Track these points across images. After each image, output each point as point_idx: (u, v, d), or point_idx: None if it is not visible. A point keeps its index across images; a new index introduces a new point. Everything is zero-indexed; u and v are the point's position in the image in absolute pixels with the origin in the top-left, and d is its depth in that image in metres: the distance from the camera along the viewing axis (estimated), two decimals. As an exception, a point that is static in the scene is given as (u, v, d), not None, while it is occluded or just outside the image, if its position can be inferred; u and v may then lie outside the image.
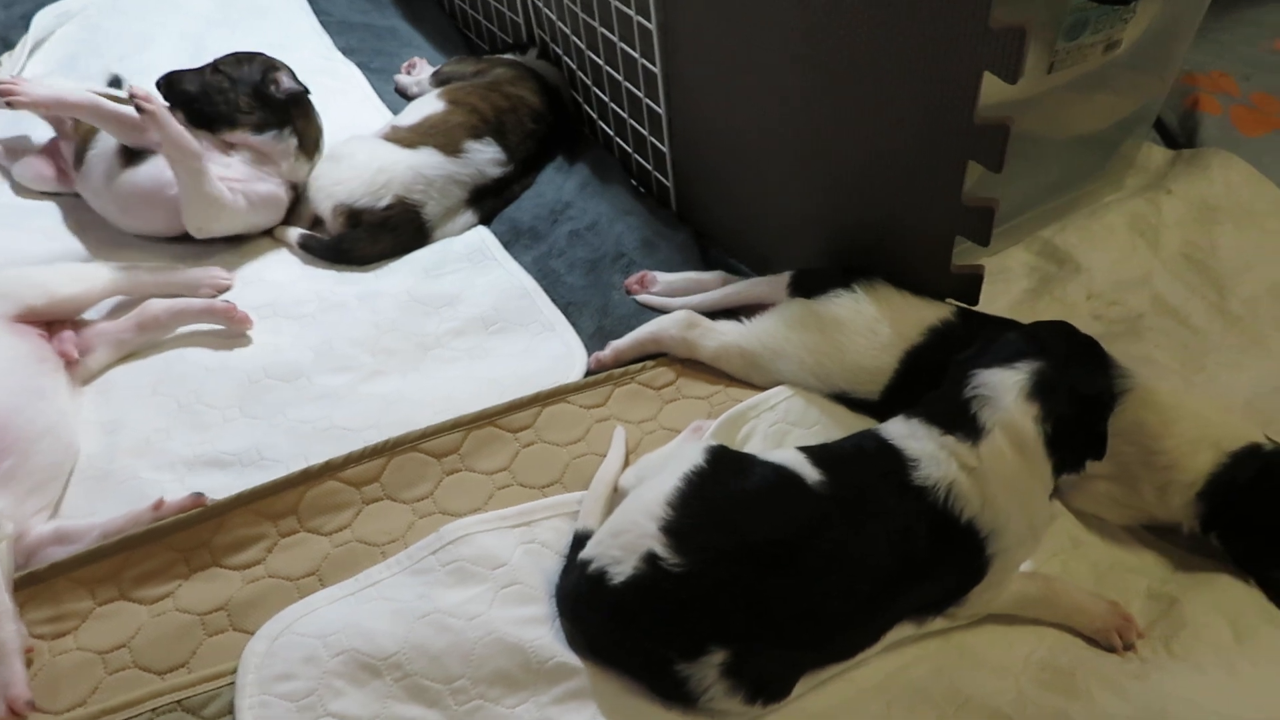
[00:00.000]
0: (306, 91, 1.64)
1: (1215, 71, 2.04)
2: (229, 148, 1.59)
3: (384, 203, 1.60)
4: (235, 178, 1.56)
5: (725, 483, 1.02)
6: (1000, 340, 1.12)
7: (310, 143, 1.66)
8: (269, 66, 1.62)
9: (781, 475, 1.03)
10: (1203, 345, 1.54)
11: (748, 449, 1.25)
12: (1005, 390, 1.05)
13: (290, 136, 1.62)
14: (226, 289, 1.53)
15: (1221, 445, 1.17)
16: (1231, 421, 1.21)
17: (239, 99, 1.58)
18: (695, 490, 1.01)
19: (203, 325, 1.45)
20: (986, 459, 1.03)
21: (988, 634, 1.12)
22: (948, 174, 1.17)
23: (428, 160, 1.64)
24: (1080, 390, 1.07)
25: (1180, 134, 1.92)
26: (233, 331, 1.44)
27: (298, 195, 1.68)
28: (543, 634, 1.04)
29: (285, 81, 1.61)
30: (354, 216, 1.60)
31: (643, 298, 1.50)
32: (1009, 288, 1.65)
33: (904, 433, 1.08)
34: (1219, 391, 1.46)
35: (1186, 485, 1.17)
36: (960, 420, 1.06)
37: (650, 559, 0.97)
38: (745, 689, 0.97)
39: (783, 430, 1.26)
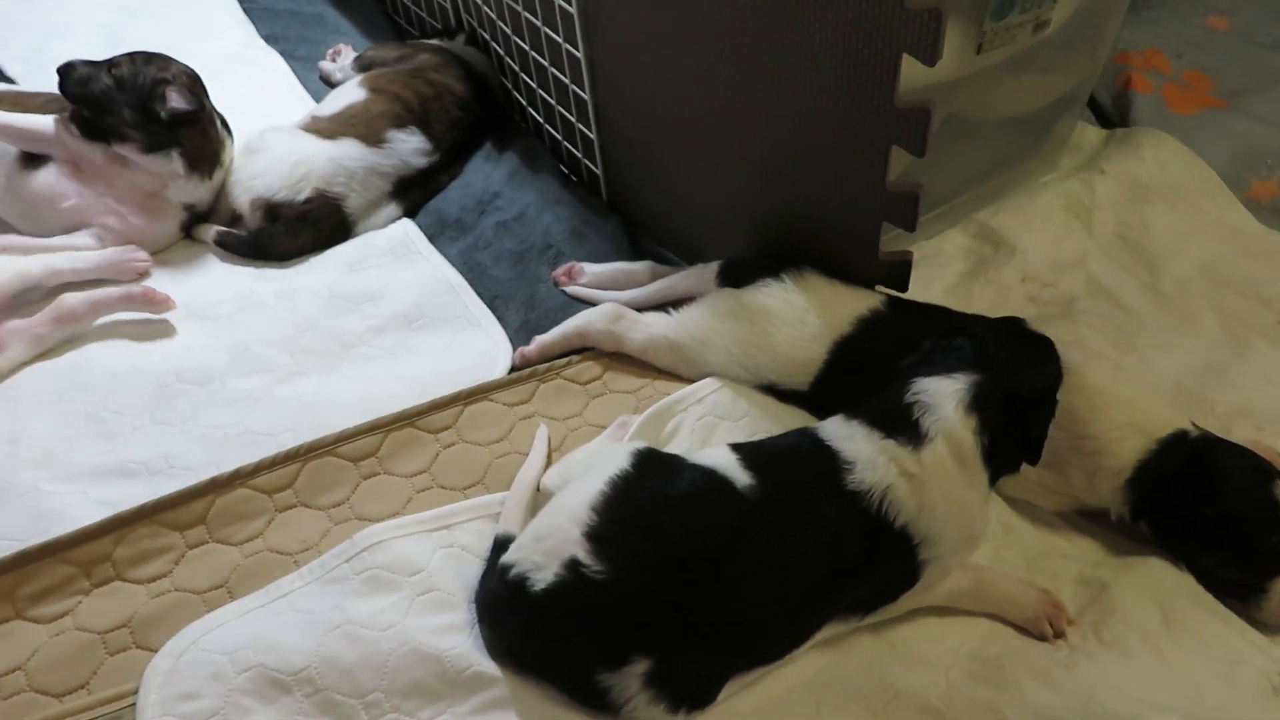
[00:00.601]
0: (198, 110, 1.52)
1: (1148, 49, 2.04)
2: (124, 162, 1.51)
3: (303, 196, 1.55)
4: (108, 208, 1.50)
5: (651, 487, 0.99)
6: (945, 345, 1.09)
7: (205, 162, 1.56)
8: (160, 79, 1.50)
9: (710, 479, 1.00)
10: (1135, 326, 1.53)
11: (675, 443, 1.22)
12: (945, 399, 1.03)
13: (177, 159, 1.51)
14: (146, 272, 1.48)
15: (1150, 432, 1.16)
16: (1159, 408, 1.20)
17: (124, 113, 1.47)
18: (620, 495, 0.98)
19: (122, 315, 1.40)
20: (928, 466, 1.01)
21: (919, 627, 1.11)
22: (872, 160, 1.15)
23: (348, 151, 1.59)
24: (1022, 393, 1.05)
25: (1114, 113, 1.92)
26: (152, 322, 1.39)
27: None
28: (460, 642, 1.01)
29: (174, 100, 1.48)
30: (272, 211, 1.55)
31: (571, 289, 1.46)
32: (944, 272, 1.64)
33: (842, 434, 1.05)
34: (1150, 372, 1.45)
35: (1115, 472, 1.16)
36: (902, 425, 1.03)
37: (573, 566, 0.93)
38: (668, 698, 0.94)
39: (711, 424, 1.24)
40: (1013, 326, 1.15)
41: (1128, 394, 1.19)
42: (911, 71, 1.06)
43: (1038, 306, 1.58)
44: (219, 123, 1.61)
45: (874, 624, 1.10)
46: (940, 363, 1.07)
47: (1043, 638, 1.10)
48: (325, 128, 1.63)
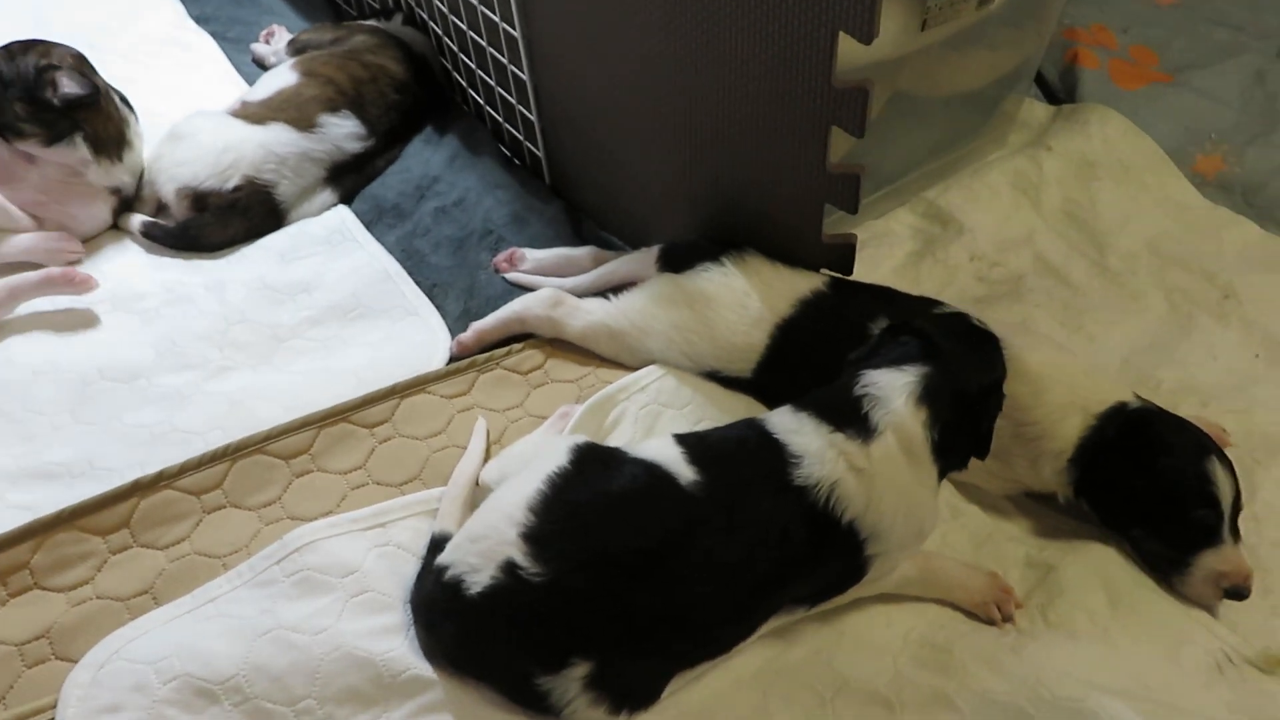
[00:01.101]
0: (93, 92, 1.43)
1: (1095, 25, 2.03)
2: (30, 157, 1.44)
3: (231, 184, 1.49)
4: (34, 201, 1.43)
5: (591, 485, 0.96)
6: (893, 340, 1.07)
7: (112, 143, 1.49)
8: (45, 67, 1.41)
9: (652, 475, 0.97)
10: (1082, 304, 1.53)
11: (618, 433, 1.20)
12: (895, 392, 1.01)
13: (82, 145, 1.44)
14: (78, 261, 1.43)
15: (1090, 408, 1.15)
16: (1099, 383, 1.19)
17: (15, 108, 1.39)
18: (558, 493, 0.94)
19: (43, 306, 1.35)
20: (877, 460, 0.99)
21: (867, 613, 1.09)
22: (811, 141, 1.12)
23: (278, 136, 1.54)
24: (969, 391, 1.03)
25: (1061, 89, 1.91)
26: (74, 316, 1.33)
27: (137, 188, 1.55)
28: (396, 645, 0.97)
29: (65, 86, 1.40)
30: (200, 200, 1.49)
31: (512, 276, 1.43)
32: (893, 251, 1.63)
33: (791, 426, 1.02)
34: (1097, 351, 1.45)
35: (1056, 454, 1.15)
36: (851, 418, 1.00)
37: (509, 568, 0.90)
38: (610, 700, 0.92)
39: (654, 412, 1.21)
40: (959, 323, 1.13)
41: (1067, 374, 1.18)
42: (854, 50, 1.03)
43: (986, 286, 1.57)
44: (117, 100, 1.54)
45: (822, 612, 1.08)
46: (889, 355, 1.04)
47: (991, 622, 1.09)
48: (255, 113, 1.58)
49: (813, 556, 0.98)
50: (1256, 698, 1.03)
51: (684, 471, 0.97)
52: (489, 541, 0.92)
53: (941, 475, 1.04)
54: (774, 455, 0.99)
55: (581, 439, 1.02)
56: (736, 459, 1.00)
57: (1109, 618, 1.09)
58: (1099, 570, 1.14)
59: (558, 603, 0.90)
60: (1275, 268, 1.57)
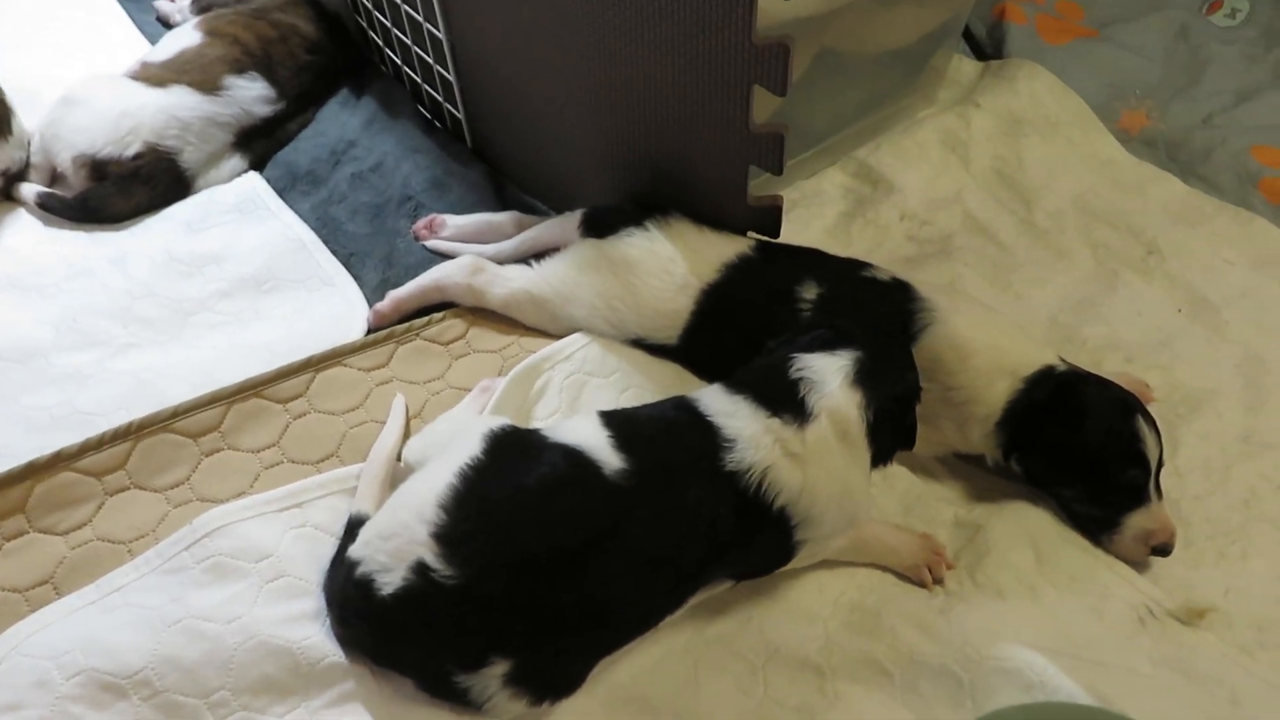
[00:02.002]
0: None
1: (1023, -21, 2.02)
2: None
3: (132, 151, 1.42)
4: None
5: (506, 478, 0.91)
6: (812, 331, 1.05)
7: None
8: None
9: (574, 465, 0.92)
10: (1010, 262, 1.53)
11: (543, 403, 1.17)
12: (830, 375, 0.99)
13: None
14: None
15: (1017, 372, 1.15)
16: (1026, 347, 1.18)
17: None
18: (471, 488, 0.89)
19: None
20: (812, 445, 0.97)
21: (797, 580, 1.09)
22: (733, 100, 1.09)
23: (181, 100, 1.46)
24: (896, 380, 1.03)
25: (989, 45, 1.91)
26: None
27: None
28: (313, 632, 0.94)
29: None
30: (99, 168, 1.41)
31: (431, 243, 1.38)
32: (824, 212, 1.61)
33: (725, 409, 0.99)
34: (1025, 308, 1.46)
35: (984, 418, 1.15)
36: (787, 402, 0.98)
37: (421, 570, 0.86)
38: (531, 693, 0.89)
39: (580, 381, 1.18)
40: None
41: (994, 337, 1.17)
42: (777, 6, 1.00)
43: (916, 245, 1.57)
44: None
45: (752, 581, 1.07)
46: (817, 341, 1.03)
47: (923, 584, 1.09)
48: (155, 75, 1.50)
49: (740, 541, 0.97)
50: (1177, 649, 1.04)
51: (610, 460, 0.92)
52: (399, 540, 0.88)
53: (874, 462, 1.03)
54: (706, 439, 0.96)
55: (498, 423, 0.97)
56: (666, 443, 0.96)
57: (1035, 575, 1.10)
58: (1026, 528, 1.14)
59: (473, 606, 0.86)
60: (1197, 223, 1.59)
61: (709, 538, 0.94)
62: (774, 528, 0.98)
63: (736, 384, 1.02)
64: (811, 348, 1.02)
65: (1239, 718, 0.99)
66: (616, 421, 0.97)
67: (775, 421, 0.97)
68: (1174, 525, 1.11)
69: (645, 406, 1.03)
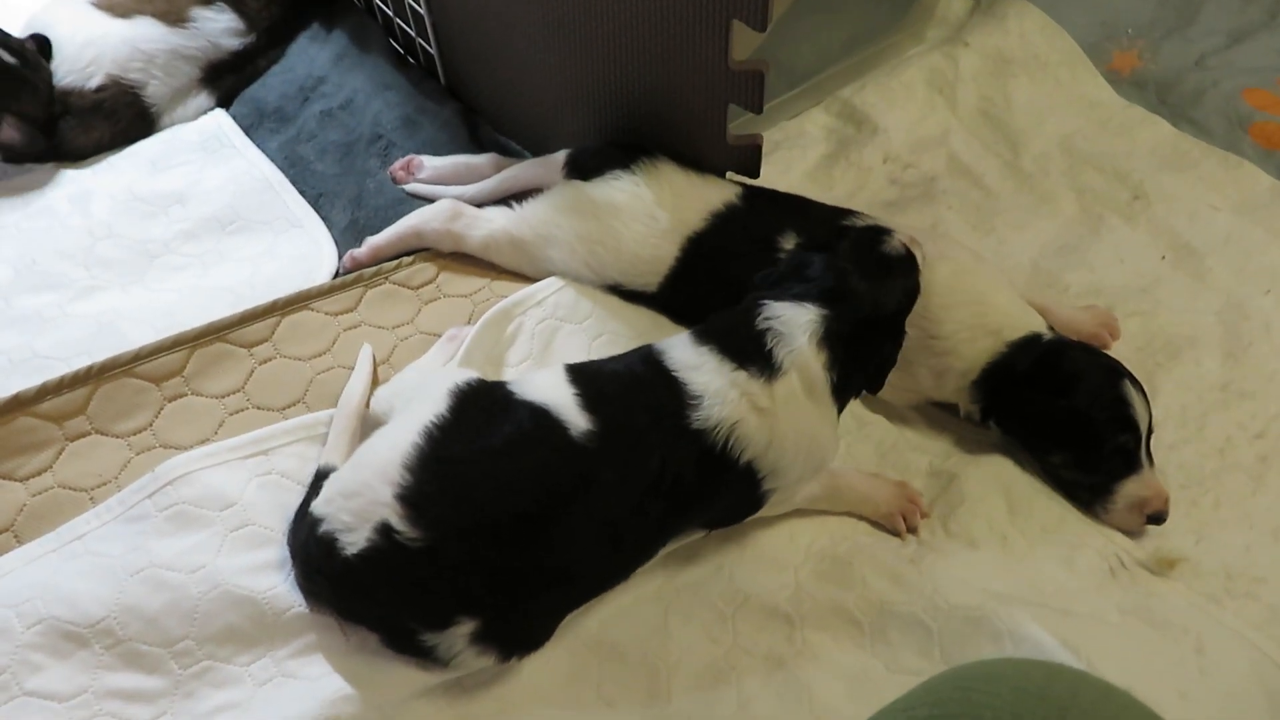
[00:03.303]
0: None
1: (1015, -88, 1.96)
2: None
3: (94, 83, 1.37)
4: None
5: (471, 439, 0.89)
6: (799, 265, 1.03)
7: None
8: None
9: (540, 425, 0.90)
10: (994, 206, 1.51)
11: (515, 349, 1.15)
12: (798, 330, 0.97)
13: None
14: None
15: (1001, 334, 1.13)
16: (1014, 309, 1.16)
17: None
18: (436, 448, 0.88)
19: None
20: (780, 399, 0.96)
21: (769, 528, 1.08)
22: (712, 36, 1.05)
23: (145, 32, 1.41)
24: (867, 327, 1.01)
25: (979, -19, 1.85)
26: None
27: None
28: (278, 582, 0.93)
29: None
30: (60, 100, 1.37)
31: (409, 186, 1.34)
32: (806, 154, 1.58)
33: (691, 363, 0.97)
34: (1007, 253, 1.44)
35: (961, 372, 1.14)
36: (754, 355, 0.97)
37: (385, 531, 0.85)
38: (497, 649, 0.89)
39: (552, 326, 1.16)
40: (870, 244, 1.07)
41: (981, 292, 1.15)
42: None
43: (898, 189, 1.54)
44: None
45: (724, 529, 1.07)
46: (794, 286, 1.01)
47: (896, 533, 1.08)
48: (119, 4, 1.44)
49: (706, 495, 0.96)
50: (1146, 599, 1.04)
51: (576, 420, 0.91)
52: (362, 500, 0.86)
53: (840, 411, 1.02)
54: (671, 395, 0.95)
55: (464, 377, 0.95)
56: (632, 402, 0.95)
57: (1007, 525, 1.09)
58: (999, 478, 1.14)
59: (438, 568, 0.85)
60: (1185, 167, 1.56)
61: (674, 494, 0.93)
62: (741, 480, 0.97)
63: (703, 334, 1.00)
64: (784, 295, 1.00)
65: (1203, 664, 0.99)
66: (583, 379, 0.95)
67: (742, 375, 0.96)
68: (1167, 492, 1.10)
69: (612, 359, 1.01)
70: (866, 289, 1.01)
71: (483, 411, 0.91)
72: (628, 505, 0.91)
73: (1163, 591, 1.05)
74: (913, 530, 1.09)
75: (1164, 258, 1.43)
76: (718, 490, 0.96)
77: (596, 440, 0.90)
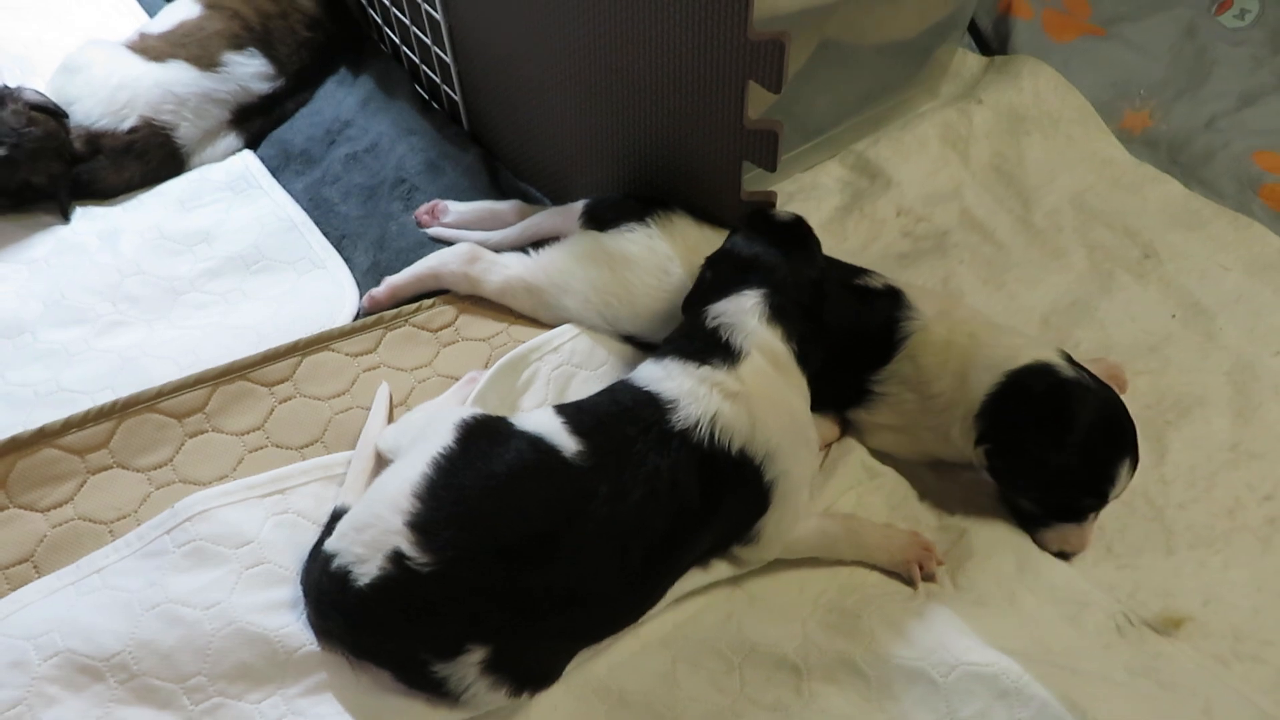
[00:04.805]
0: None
1: (1030, -27, 2.00)
2: None
3: (128, 124, 1.41)
4: None
5: (476, 467, 0.92)
6: (717, 265, 1.09)
7: None
8: None
9: (538, 450, 0.94)
10: (1005, 261, 1.52)
11: (530, 394, 1.17)
12: (746, 314, 1.03)
13: None
14: None
15: (1000, 367, 1.11)
16: (1012, 341, 1.14)
17: None
18: (444, 477, 0.91)
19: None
20: (749, 379, 1.00)
21: (779, 578, 1.09)
22: (728, 95, 1.08)
23: (178, 75, 1.45)
24: (805, 296, 1.07)
25: (994, 40, 1.89)
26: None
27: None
28: (290, 620, 0.95)
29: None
30: (93, 141, 1.41)
31: (434, 230, 1.37)
32: (820, 205, 1.60)
33: (658, 375, 1.01)
34: (1018, 308, 1.45)
35: (963, 417, 1.12)
36: (713, 349, 1.01)
37: (397, 558, 0.87)
38: (509, 682, 0.90)
39: (568, 373, 1.18)
40: (766, 222, 1.13)
41: (972, 336, 1.14)
42: (780, -1, 0.99)
43: (911, 241, 1.56)
44: None
45: (736, 576, 1.08)
46: (722, 284, 1.06)
47: (911, 582, 1.09)
48: (153, 47, 1.48)
49: (711, 500, 0.97)
50: (1154, 660, 1.04)
51: (566, 443, 0.94)
52: (375, 530, 0.89)
53: (809, 382, 1.06)
54: (649, 407, 0.98)
55: (469, 412, 0.98)
56: (615, 421, 0.98)
57: (1015, 581, 1.10)
58: (1008, 535, 1.14)
59: (449, 592, 0.87)
60: (1195, 226, 1.57)
61: (673, 502, 0.95)
62: (741, 474, 0.99)
63: (661, 351, 1.05)
64: (719, 296, 1.05)
65: (1211, 728, 0.99)
66: (568, 410, 0.99)
67: (706, 369, 1.00)
68: (1090, 545, 1.13)
69: (590, 396, 1.04)
70: (785, 260, 1.07)
71: (487, 443, 0.94)
72: (630, 518, 0.93)
73: (1170, 652, 1.05)
74: (929, 578, 1.09)
75: (1174, 316, 1.45)
76: (720, 492, 0.98)
77: (588, 458, 0.94)
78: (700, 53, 1.06)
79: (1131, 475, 1.10)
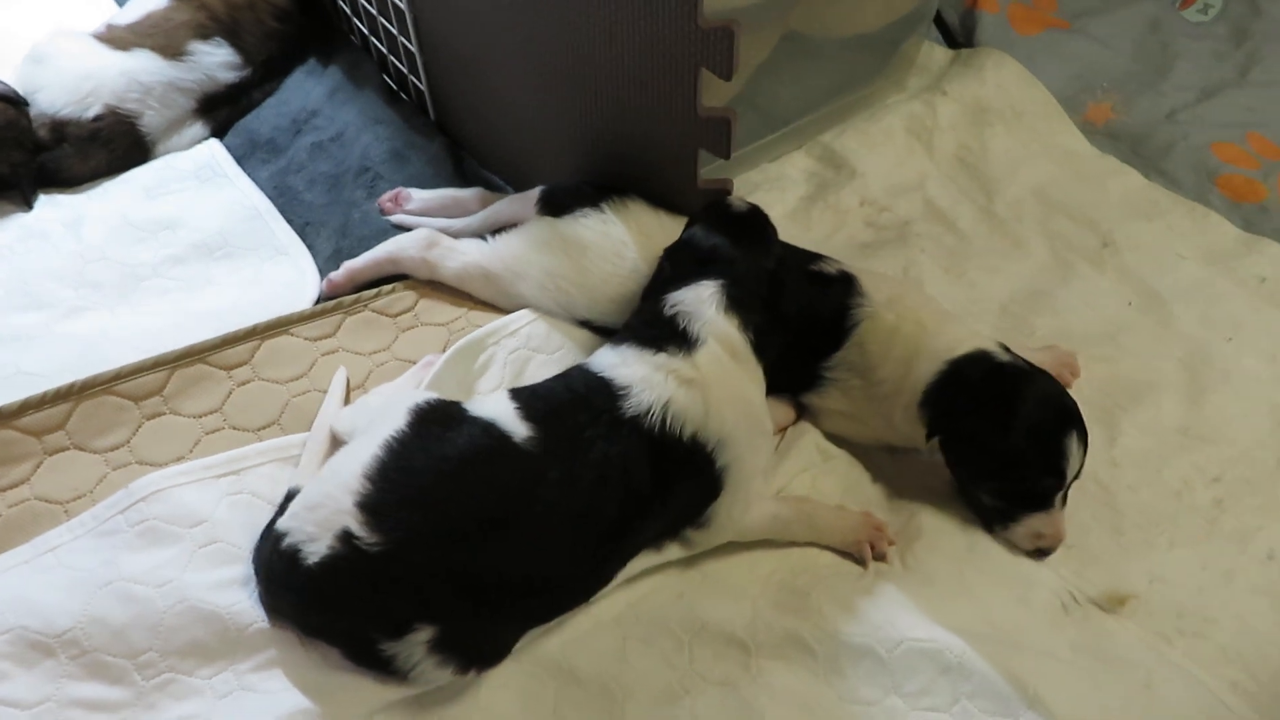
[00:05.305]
0: None
1: (997, -32, 2.02)
2: None
3: (92, 113, 1.42)
4: None
5: (428, 450, 0.93)
6: (675, 256, 1.10)
7: None
8: None
9: (490, 435, 0.95)
10: (966, 250, 1.54)
11: (486, 378, 1.18)
12: (703, 304, 1.04)
13: None
14: None
15: (941, 355, 1.12)
16: (955, 331, 1.15)
17: None
18: (396, 460, 0.92)
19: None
20: (704, 367, 1.01)
21: (731, 558, 1.11)
22: (681, 83, 1.09)
23: (143, 64, 1.46)
24: (763, 286, 1.08)
25: (960, 33, 1.91)
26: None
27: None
28: (242, 598, 0.96)
29: None
30: (58, 129, 1.41)
31: (396, 217, 1.38)
32: (785, 196, 1.61)
33: (614, 361, 1.02)
34: (977, 297, 1.46)
35: (906, 405, 1.14)
36: (670, 336, 1.02)
37: (346, 538, 0.88)
38: (456, 661, 0.91)
39: (524, 357, 1.19)
40: (723, 213, 1.15)
41: (919, 323, 1.15)
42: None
43: (874, 231, 1.57)
44: None
45: (690, 556, 1.09)
46: (681, 274, 1.07)
47: (863, 561, 1.10)
48: (120, 37, 1.49)
49: (662, 485, 0.98)
50: (1097, 636, 1.06)
51: (518, 428, 0.95)
52: (325, 510, 0.90)
53: (766, 372, 1.07)
54: (602, 393, 0.99)
55: (423, 397, 0.99)
56: (567, 406, 0.99)
57: (964, 561, 1.11)
58: (959, 515, 1.16)
59: (396, 572, 0.88)
60: (1154, 216, 1.59)
61: (624, 488, 0.96)
62: (693, 460, 1.00)
63: (618, 338, 1.06)
64: (677, 285, 1.06)
65: (1151, 700, 1.01)
66: (523, 395, 1.00)
67: (662, 356, 1.01)
68: (1065, 535, 1.12)
69: (546, 381, 1.05)
70: (743, 251, 1.09)
71: (439, 427, 0.95)
72: (580, 503, 0.94)
73: (1114, 629, 1.07)
74: (880, 557, 1.10)
75: (1130, 304, 1.46)
76: (672, 478, 0.99)
77: (539, 444, 0.95)
78: (653, 41, 1.08)
79: (1083, 451, 1.11)
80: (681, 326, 1.03)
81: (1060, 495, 1.12)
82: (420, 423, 0.95)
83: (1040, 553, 1.13)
